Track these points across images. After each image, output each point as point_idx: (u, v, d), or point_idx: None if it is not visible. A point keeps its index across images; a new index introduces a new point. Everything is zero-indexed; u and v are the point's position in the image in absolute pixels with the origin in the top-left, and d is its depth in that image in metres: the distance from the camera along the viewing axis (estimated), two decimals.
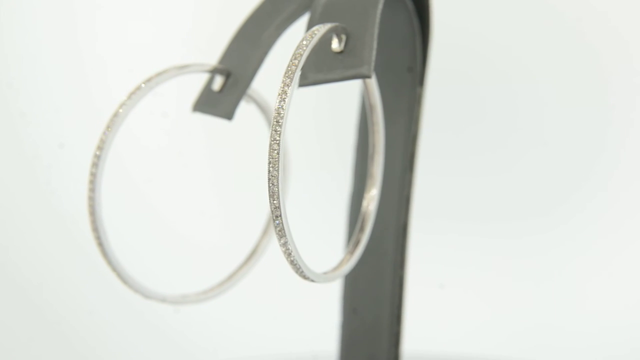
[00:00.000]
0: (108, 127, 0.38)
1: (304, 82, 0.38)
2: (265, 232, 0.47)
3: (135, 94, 0.38)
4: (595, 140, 0.63)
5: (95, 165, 0.37)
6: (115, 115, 0.38)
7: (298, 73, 0.34)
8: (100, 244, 0.38)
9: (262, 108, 0.45)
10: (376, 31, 0.37)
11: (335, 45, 0.37)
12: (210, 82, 0.42)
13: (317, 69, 0.37)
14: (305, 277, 0.35)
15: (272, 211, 0.32)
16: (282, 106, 0.32)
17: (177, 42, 0.65)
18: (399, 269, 0.47)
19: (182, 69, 0.40)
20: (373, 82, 0.40)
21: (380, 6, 0.38)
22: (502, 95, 0.64)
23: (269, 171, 0.32)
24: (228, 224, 0.67)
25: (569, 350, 0.64)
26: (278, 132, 0.32)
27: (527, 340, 0.64)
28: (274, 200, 0.32)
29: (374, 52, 0.37)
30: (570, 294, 0.64)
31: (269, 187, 0.32)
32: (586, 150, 0.64)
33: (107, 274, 0.65)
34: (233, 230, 0.66)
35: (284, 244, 0.33)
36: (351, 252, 0.39)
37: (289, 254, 0.33)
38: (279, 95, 0.33)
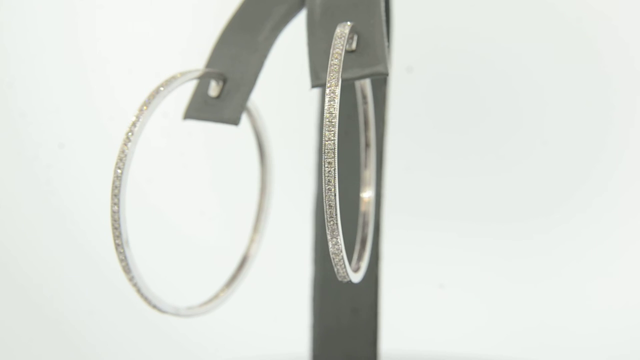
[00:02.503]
0: (127, 139, 0.37)
1: (318, 82, 0.38)
2: (253, 234, 0.47)
3: (149, 106, 0.38)
4: (595, 140, 0.63)
5: (118, 178, 0.36)
6: (134, 124, 0.37)
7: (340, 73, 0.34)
8: (124, 259, 0.37)
9: (249, 110, 0.45)
10: (384, 29, 0.38)
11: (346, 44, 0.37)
12: (200, 87, 0.41)
13: None
14: (344, 278, 0.35)
15: (326, 211, 0.33)
16: (332, 105, 0.33)
17: (177, 43, 0.65)
18: (374, 267, 0.47)
19: (183, 76, 0.39)
20: (367, 81, 0.41)
21: (382, 3, 0.38)
22: (502, 95, 0.64)
23: (325, 171, 0.33)
24: (228, 224, 0.67)
25: (569, 350, 0.64)
26: (332, 132, 0.33)
27: (527, 340, 0.64)
28: (329, 201, 0.33)
29: (387, 50, 0.37)
30: (571, 294, 0.64)
31: (325, 187, 0.33)
32: (587, 151, 0.64)
33: (107, 273, 0.66)
34: (233, 230, 0.66)
35: (335, 244, 0.33)
36: (362, 248, 0.40)
37: (337, 254, 0.34)
38: (327, 95, 0.33)
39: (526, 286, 0.65)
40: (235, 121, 0.40)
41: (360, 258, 0.40)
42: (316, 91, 0.50)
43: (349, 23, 0.36)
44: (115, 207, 0.36)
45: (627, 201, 0.64)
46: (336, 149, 0.33)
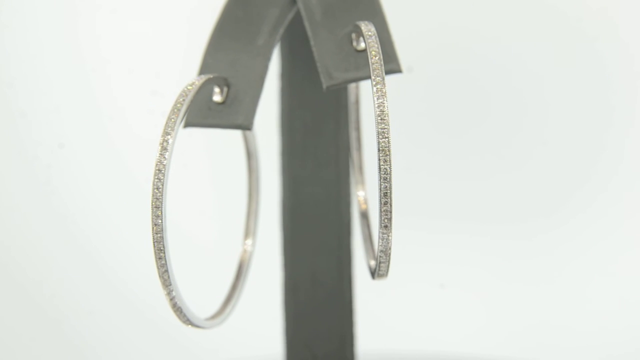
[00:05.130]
0: (163, 149, 0.36)
1: (332, 82, 0.37)
2: (246, 238, 0.47)
3: (178, 115, 0.37)
4: (596, 140, 0.63)
5: (158, 189, 0.35)
6: (166, 132, 0.36)
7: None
8: (166, 272, 0.36)
9: None
10: (389, 27, 0.37)
11: (355, 43, 0.37)
12: (199, 94, 0.40)
13: (344, 68, 0.37)
14: (382, 276, 0.35)
15: (381, 209, 0.33)
16: (382, 103, 0.33)
17: (177, 43, 0.65)
18: (346, 267, 0.47)
19: (198, 80, 0.38)
20: (359, 83, 0.41)
21: (381, 2, 0.38)
22: (502, 96, 0.64)
23: (381, 169, 0.32)
24: (228, 224, 0.67)
25: (569, 350, 0.64)
26: (386, 130, 0.33)
27: (527, 340, 0.64)
28: (385, 199, 0.33)
29: (396, 48, 0.37)
30: (571, 294, 0.65)
31: (381, 184, 0.33)
32: (587, 151, 0.64)
33: (107, 273, 0.66)
34: (233, 230, 0.66)
35: (386, 241, 0.33)
36: (371, 246, 0.40)
37: (386, 251, 0.34)
38: (375, 94, 0.33)
39: (526, 286, 0.65)
40: (248, 126, 0.39)
41: (374, 255, 0.40)
42: (275, 94, 0.49)
43: (366, 22, 0.36)
44: (159, 221, 0.35)
45: (627, 201, 0.64)
46: (390, 147, 0.33)
